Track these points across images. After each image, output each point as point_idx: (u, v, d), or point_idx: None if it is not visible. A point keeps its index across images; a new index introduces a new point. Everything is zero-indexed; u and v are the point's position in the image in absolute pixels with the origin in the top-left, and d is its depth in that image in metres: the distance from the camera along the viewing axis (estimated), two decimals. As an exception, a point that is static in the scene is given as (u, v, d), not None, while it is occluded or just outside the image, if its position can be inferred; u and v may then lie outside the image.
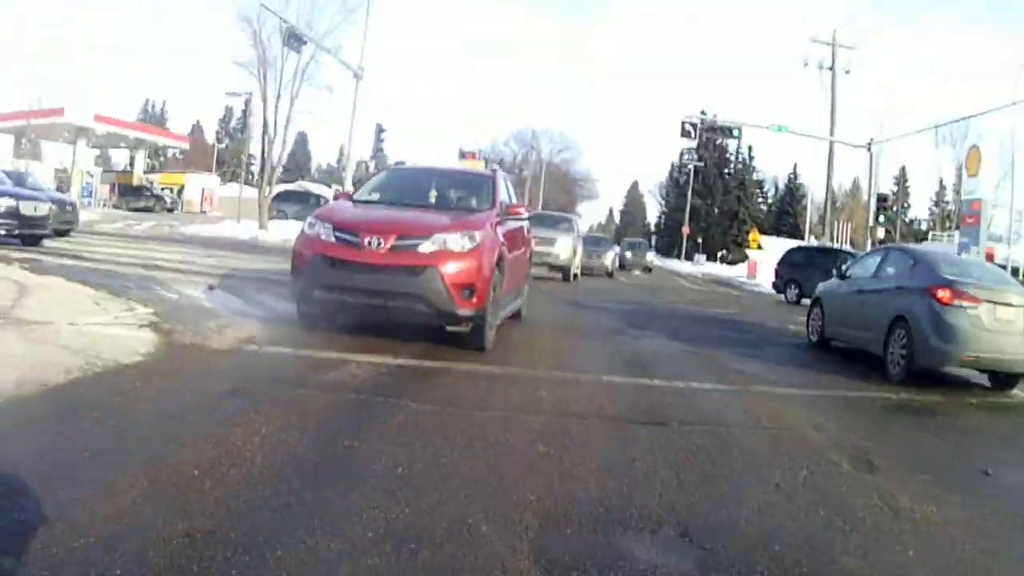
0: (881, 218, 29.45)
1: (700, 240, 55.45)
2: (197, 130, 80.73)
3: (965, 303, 7.03)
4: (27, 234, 11.75)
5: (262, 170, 28.90)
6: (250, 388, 4.45)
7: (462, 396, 4.93)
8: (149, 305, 6.71)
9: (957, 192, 49.55)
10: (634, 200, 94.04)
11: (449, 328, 6.12)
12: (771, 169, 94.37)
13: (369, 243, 5.88)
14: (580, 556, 2.56)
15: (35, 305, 5.91)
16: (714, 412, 5.27)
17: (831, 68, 30.57)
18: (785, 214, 71.58)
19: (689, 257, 53.35)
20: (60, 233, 13.75)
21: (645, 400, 5.46)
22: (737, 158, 63.34)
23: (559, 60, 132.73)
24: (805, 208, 54.38)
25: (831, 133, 30.63)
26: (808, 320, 10.20)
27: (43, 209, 11.98)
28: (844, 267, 9.78)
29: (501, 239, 6.73)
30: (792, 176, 73.81)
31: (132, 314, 6.25)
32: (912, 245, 25.08)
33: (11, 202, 11.34)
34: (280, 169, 30.87)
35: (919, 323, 7.17)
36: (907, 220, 68.20)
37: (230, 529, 2.44)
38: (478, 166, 40.79)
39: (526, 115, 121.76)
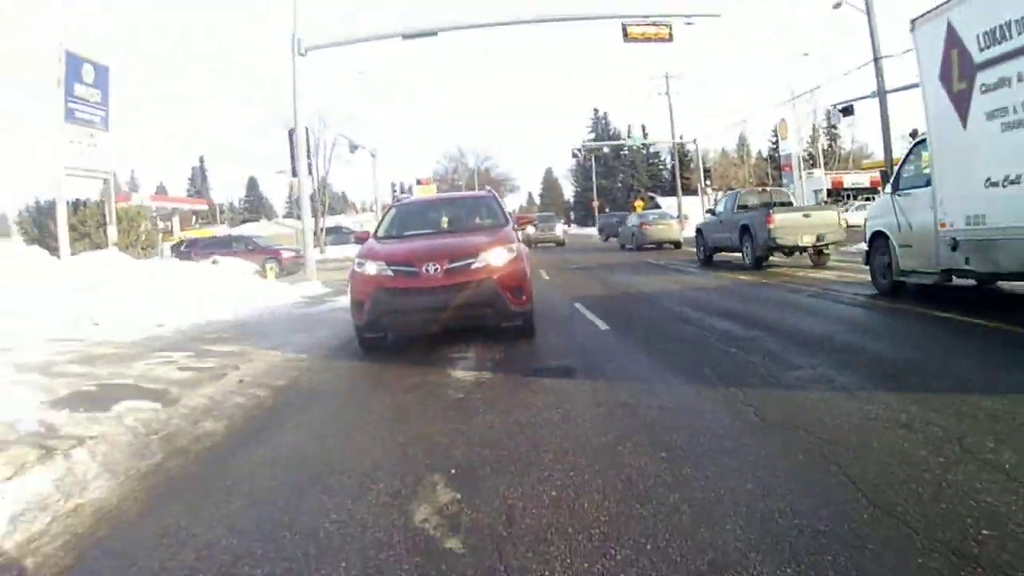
0: (708, 181, 48.74)
1: (607, 210, 74.01)
2: (161, 189, 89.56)
3: (640, 225, 25.86)
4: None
5: (314, 215, 52.04)
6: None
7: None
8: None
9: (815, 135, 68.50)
10: (549, 184, 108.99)
11: (504, 325, 7.10)
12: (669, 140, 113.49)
13: (427, 270, 6.71)
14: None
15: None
16: (577, 260, 24.89)
17: (667, 93, 49.12)
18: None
19: (601, 224, 72.48)
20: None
21: (571, 259, 25.12)
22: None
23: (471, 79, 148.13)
24: (692, 172, 73.28)
25: (672, 136, 49.63)
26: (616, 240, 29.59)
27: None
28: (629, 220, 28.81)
29: (523, 245, 7.85)
30: (681, 149, 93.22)
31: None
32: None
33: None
34: (326, 217, 52.05)
35: (629, 233, 27.10)
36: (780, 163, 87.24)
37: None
38: (432, 188, 54.87)
39: (453, 134, 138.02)
